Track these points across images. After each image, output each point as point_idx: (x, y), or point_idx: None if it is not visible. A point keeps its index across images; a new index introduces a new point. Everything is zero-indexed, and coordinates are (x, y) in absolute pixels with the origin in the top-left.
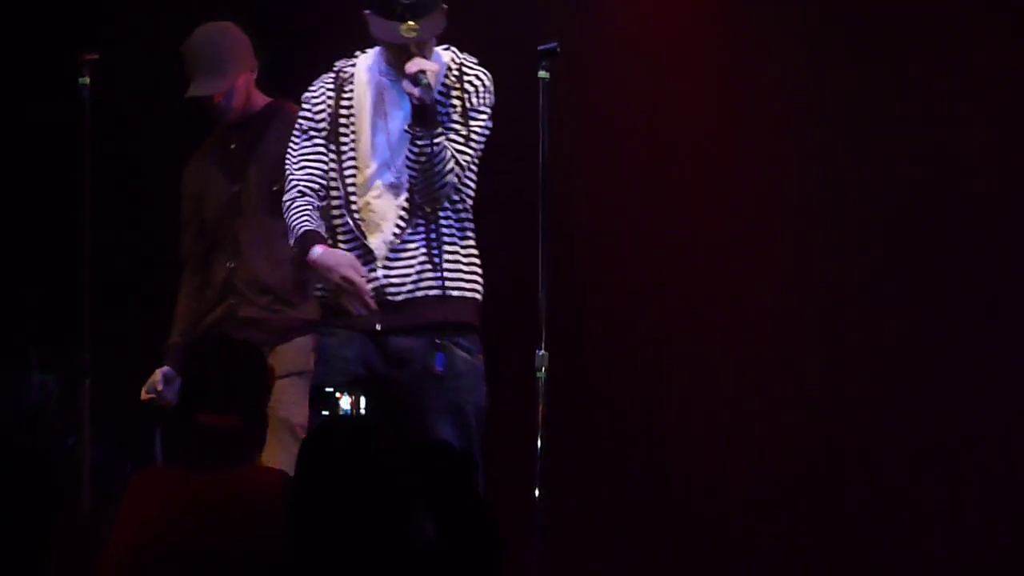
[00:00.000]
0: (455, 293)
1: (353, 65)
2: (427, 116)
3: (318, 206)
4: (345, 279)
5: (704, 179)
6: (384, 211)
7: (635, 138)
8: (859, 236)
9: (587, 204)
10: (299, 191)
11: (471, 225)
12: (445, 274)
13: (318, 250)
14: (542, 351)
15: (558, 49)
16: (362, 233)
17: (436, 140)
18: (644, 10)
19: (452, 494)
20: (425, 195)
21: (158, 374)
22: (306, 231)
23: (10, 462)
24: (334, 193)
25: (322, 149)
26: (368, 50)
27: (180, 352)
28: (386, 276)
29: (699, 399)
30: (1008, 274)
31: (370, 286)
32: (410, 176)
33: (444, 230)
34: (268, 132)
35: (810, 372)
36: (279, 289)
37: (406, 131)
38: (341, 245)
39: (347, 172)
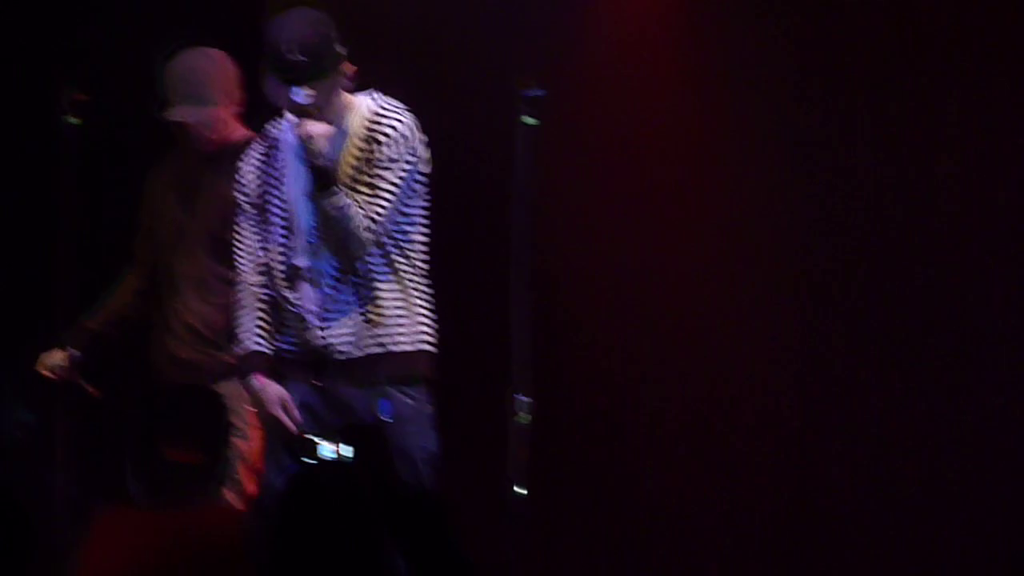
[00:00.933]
0: (397, 348)
1: (279, 127)
2: (322, 179)
3: (266, 297)
4: (273, 417)
5: (689, 215)
6: (319, 272)
7: (616, 178)
8: (844, 254)
9: (569, 246)
10: (250, 284)
11: (415, 274)
12: (384, 331)
13: (256, 383)
14: (523, 396)
15: (544, 95)
16: (297, 297)
17: (337, 204)
18: (625, 46)
19: (427, 539)
20: (340, 254)
21: (65, 356)
22: (252, 352)
23: None
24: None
25: (256, 224)
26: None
27: (89, 338)
28: (322, 338)
29: (686, 444)
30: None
31: (310, 345)
32: (325, 237)
33: (379, 286)
34: (228, 171)
35: (796, 400)
36: (209, 334)
37: (308, 197)
38: (287, 304)
39: (279, 237)
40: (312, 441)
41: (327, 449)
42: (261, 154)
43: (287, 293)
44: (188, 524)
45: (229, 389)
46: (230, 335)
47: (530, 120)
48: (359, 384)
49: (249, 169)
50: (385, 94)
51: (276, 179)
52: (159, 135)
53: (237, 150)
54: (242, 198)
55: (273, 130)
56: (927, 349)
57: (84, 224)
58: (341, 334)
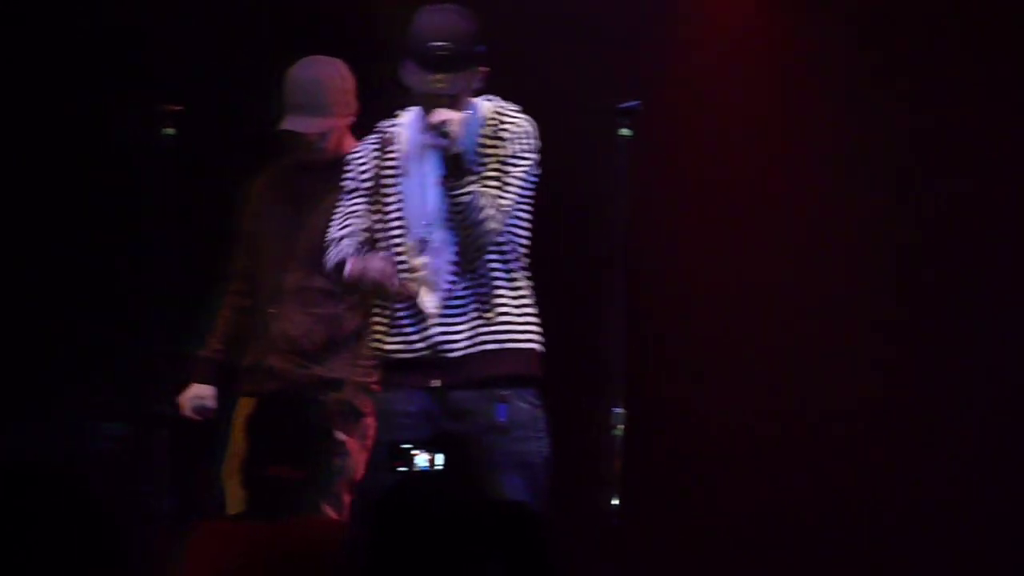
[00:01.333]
0: (511, 346)
1: (395, 125)
2: (455, 166)
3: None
4: (376, 280)
5: (782, 231)
6: (436, 268)
7: (712, 192)
8: (949, 264)
9: (666, 260)
10: (340, 248)
11: (524, 275)
12: (499, 327)
13: (348, 266)
14: (619, 408)
15: (640, 107)
16: (414, 293)
17: (468, 189)
18: (720, 55)
19: (522, 551)
20: (469, 245)
21: (207, 394)
22: (338, 262)
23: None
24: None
25: (365, 208)
26: (409, 109)
27: (213, 368)
28: (442, 334)
29: (776, 453)
30: None
31: (425, 344)
32: (452, 228)
33: (495, 283)
34: (337, 183)
35: (895, 412)
36: (308, 345)
37: (440, 184)
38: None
39: (394, 233)
40: (407, 451)
41: (422, 459)
42: (375, 149)
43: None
44: (285, 536)
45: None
46: (330, 347)
47: (626, 132)
48: (475, 386)
49: (362, 162)
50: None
51: (392, 175)
52: (253, 146)
53: (342, 165)
54: (351, 183)
55: (388, 127)
56: None
57: (180, 234)
58: (457, 331)
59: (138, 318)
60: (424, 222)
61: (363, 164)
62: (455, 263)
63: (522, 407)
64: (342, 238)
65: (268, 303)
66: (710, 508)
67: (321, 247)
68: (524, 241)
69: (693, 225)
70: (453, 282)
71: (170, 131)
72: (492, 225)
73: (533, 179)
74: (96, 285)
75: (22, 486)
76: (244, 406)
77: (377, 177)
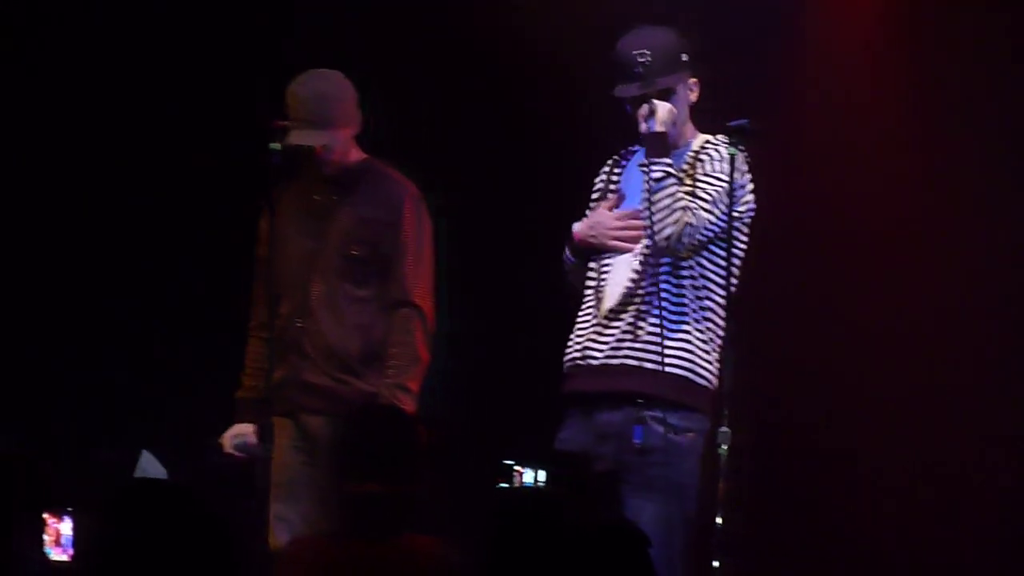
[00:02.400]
0: (649, 366)
1: (634, 152)
2: (655, 145)
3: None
4: (605, 234)
5: (899, 263)
6: (618, 278)
7: (830, 216)
8: None
9: (779, 275)
10: None
11: (706, 308)
12: (641, 345)
13: (576, 225)
14: (725, 428)
15: (749, 125)
16: (598, 298)
17: (663, 168)
18: (840, 69)
19: (627, 571)
20: (656, 230)
21: (246, 431)
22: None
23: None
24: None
25: None
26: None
27: (251, 406)
28: (592, 339)
29: (890, 481)
30: None
31: (579, 347)
32: (644, 208)
33: (662, 302)
34: (355, 192)
35: (1012, 447)
36: (347, 357)
37: (639, 166)
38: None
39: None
40: (510, 467)
41: (528, 476)
42: (608, 166)
43: (588, 299)
44: (375, 554)
45: None
46: (366, 357)
47: (732, 150)
48: (607, 394)
49: (599, 179)
50: None
51: (615, 191)
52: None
53: (356, 173)
54: (591, 200)
55: (627, 151)
56: None
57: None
58: (605, 340)
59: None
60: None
61: (598, 183)
62: (636, 271)
63: (655, 429)
64: None
65: (296, 318)
66: (825, 529)
67: (346, 256)
68: (718, 277)
69: (809, 244)
70: (627, 290)
71: (276, 146)
72: (680, 216)
73: (738, 216)
74: (203, 300)
75: (145, 503)
76: (280, 427)
77: (603, 193)
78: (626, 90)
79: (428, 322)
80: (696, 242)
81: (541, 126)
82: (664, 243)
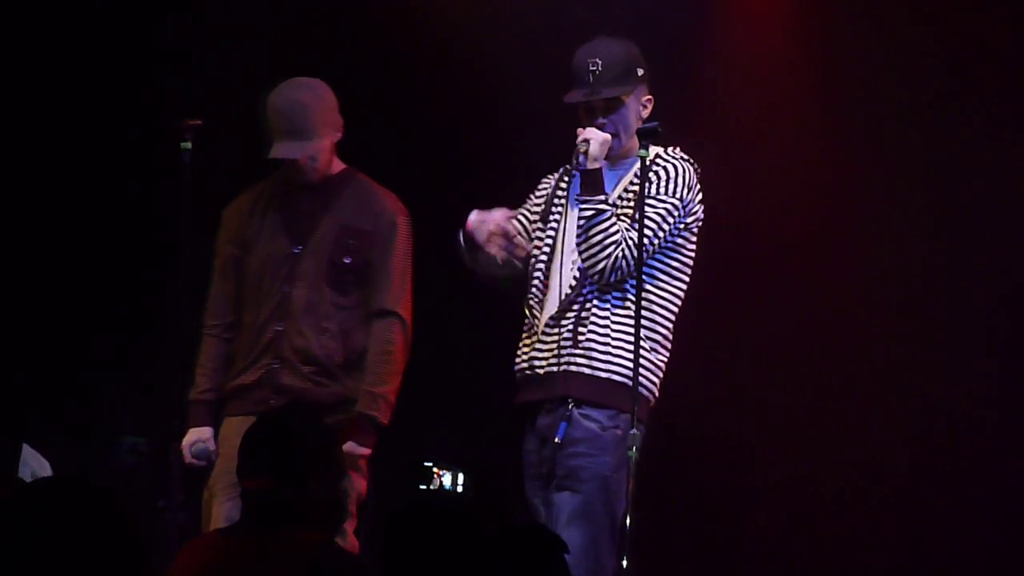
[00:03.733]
0: (585, 371)
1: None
2: (588, 182)
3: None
4: (485, 229)
5: (804, 267)
6: (555, 288)
7: (737, 220)
8: (997, 286)
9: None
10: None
11: (651, 315)
12: (585, 352)
13: (473, 214)
14: (634, 430)
15: (659, 129)
16: (538, 307)
17: (596, 206)
18: (749, 69)
19: (539, 572)
20: (587, 264)
21: (205, 437)
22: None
23: (101, 523)
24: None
25: (526, 220)
26: None
27: (206, 409)
28: (536, 349)
29: (788, 480)
30: None
31: (525, 358)
32: (577, 243)
33: (598, 310)
34: (339, 200)
35: (904, 446)
36: (326, 361)
37: (576, 198)
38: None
39: (542, 250)
40: (429, 469)
41: (447, 479)
42: (560, 172)
43: (528, 307)
44: (260, 548)
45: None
46: (347, 363)
47: (643, 152)
48: (550, 400)
49: (545, 182)
50: None
51: (561, 199)
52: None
53: (340, 182)
54: (528, 201)
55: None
56: None
57: (197, 249)
58: (547, 348)
59: (158, 331)
60: (568, 248)
61: (544, 186)
62: (571, 285)
63: (584, 425)
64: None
65: (274, 321)
66: (727, 528)
67: (330, 262)
68: (663, 288)
69: (720, 243)
70: (562, 301)
71: (187, 145)
72: (613, 251)
73: (684, 231)
74: (117, 298)
75: (49, 500)
76: (236, 425)
77: (549, 199)
78: (572, 96)
79: (408, 333)
80: (628, 270)
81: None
82: (596, 277)
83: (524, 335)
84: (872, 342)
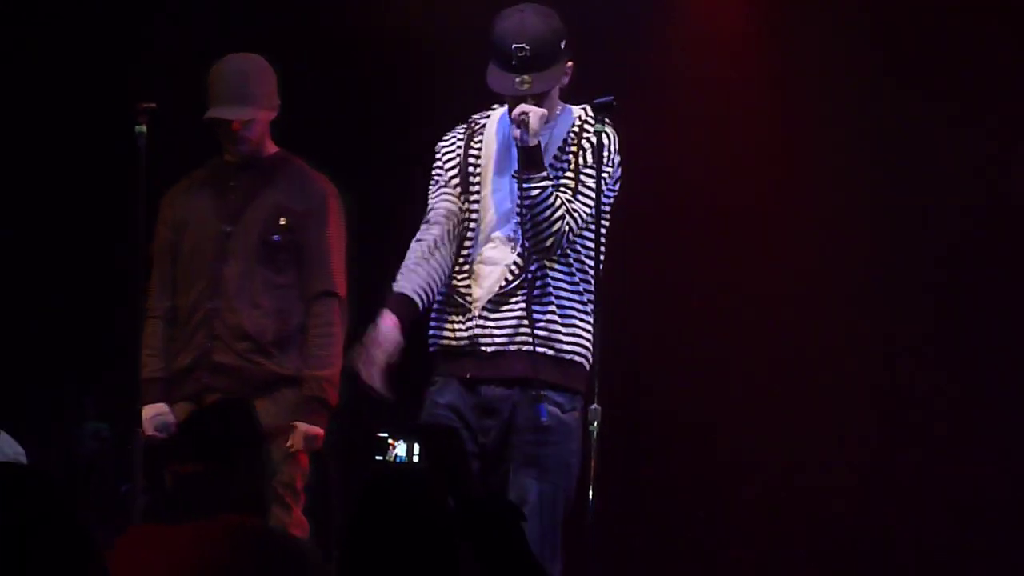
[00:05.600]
0: (548, 352)
1: (487, 117)
2: (530, 159)
3: (441, 239)
4: (362, 358)
5: (760, 242)
6: (495, 262)
7: (692, 194)
8: (919, 292)
9: (643, 259)
10: (431, 220)
11: (588, 289)
12: (539, 332)
13: (382, 324)
14: (595, 405)
15: (615, 103)
16: (473, 283)
17: (540, 184)
18: (702, 50)
19: (499, 546)
20: (533, 242)
21: (162, 411)
22: (397, 294)
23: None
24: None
25: (449, 195)
26: (503, 105)
27: (159, 386)
28: (480, 327)
29: (751, 458)
30: None
31: (465, 335)
32: (519, 221)
33: (550, 288)
34: (272, 181)
35: (867, 429)
36: (259, 339)
37: (513, 176)
38: (456, 293)
39: (468, 223)
40: (384, 440)
41: (400, 448)
42: (461, 136)
43: (459, 281)
44: (194, 535)
45: (274, 400)
46: (281, 341)
47: (599, 127)
48: (503, 380)
49: (449, 150)
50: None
51: (476, 165)
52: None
53: (274, 162)
54: (438, 173)
55: (480, 119)
56: None
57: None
58: (496, 327)
59: (119, 316)
60: (498, 216)
61: (449, 153)
62: (516, 263)
63: (549, 409)
64: (431, 224)
65: (207, 299)
66: (688, 505)
67: (263, 241)
68: (591, 255)
69: (672, 223)
70: (508, 280)
71: (142, 128)
72: (560, 226)
73: (609, 195)
74: (77, 284)
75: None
76: (182, 411)
77: (462, 167)
78: (501, 84)
79: (346, 313)
80: (571, 239)
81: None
82: (544, 253)
83: (451, 311)
84: (833, 312)
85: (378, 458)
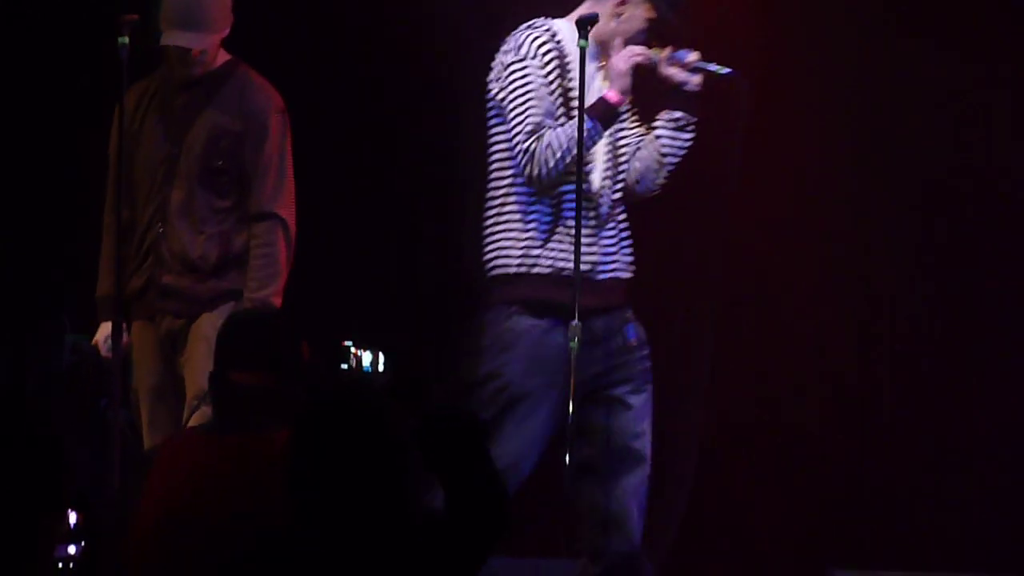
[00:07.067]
0: (627, 276)
1: (557, 37)
2: (693, 104)
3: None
4: (631, 61)
5: (754, 213)
6: (602, 185)
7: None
8: (899, 250)
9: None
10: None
11: None
12: (625, 257)
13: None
14: (575, 321)
15: (599, 18)
16: (591, 209)
17: (684, 122)
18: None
19: (461, 460)
20: (664, 180)
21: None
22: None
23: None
24: None
25: (550, 106)
26: (556, 19)
27: (114, 304)
28: (600, 254)
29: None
30: None
31: (590, 260)
32: (671, 164)
33: (619, 211)
34: (214, 98)
35: (845, 376)
36: (202, 264)
37: (676, 120)
38: (571, 216)
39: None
40: (348, 349)
41: (366, 359)
42: (555, 57)
43: (560, 207)
44: (253, 448)
45: (219, 313)
46: (224, 264)
47: (584, 43)
48: (607, 310)
49: (547, 68)
50: None
51: (570, 88)
52: None
53: (220, 76)
54: (536, 85)
55: (557, 36)
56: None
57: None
58: (604, 254)
59: (96, 228)
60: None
61: (547, 67)
62: (617, 190)
63: (640, 328)
64: (539, 127)
65: (156, 223)
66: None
67: (206, 166)
68: None
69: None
70: (606, 205)
71: (124, 40)
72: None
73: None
74: (56, 195)
75: None
76: (141, 331)
77: (563, 92)
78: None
79: (290, 232)
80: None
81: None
82: (658, 189)
83: (556, 237)
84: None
85: (343, 367)
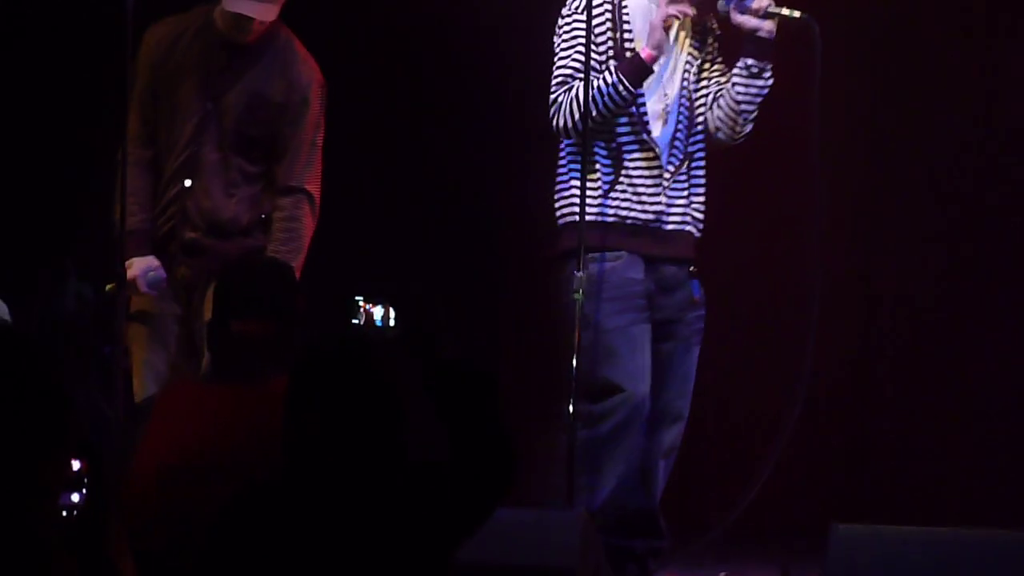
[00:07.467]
0: (696, 232)
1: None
2: (767, 50)
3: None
4: (665, 17)
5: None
6: (663, 142)
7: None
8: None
9: None
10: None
11: None
12: (695, 213)
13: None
14: (580, 272)
15: None
16: (645, 160)
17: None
18: None
19: (468, 412)
20: (748, 127)
21: (153, 265)
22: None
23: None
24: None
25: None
26: None
27: (147, 238)
28: (665, 204)
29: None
30: None
31: (653, 209)
32: (747, 112)
33: (699, 167)
34: (257, 64)
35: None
36: (232, 227)
37: (748, 67)
38: (633, 166)
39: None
40: (357, 303)
41: (377, 313)
42: (608, 12)
43: (635, 158)
44: (255, 397)
45: None
46: (252, 226)
47: None
48: (677, 262)
49: (600, 24)
50: None
51: (629, 40)
52: None
53: (264, 41)
54: (582, 37)
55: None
56: None
57: None
58: (674, 205)
59: (102, 174)
60: (654, 95)
61: (597, 18)
62: (682, 141)
63: (702, 289)
64: (569, 79)
65: (184, 176)
66: None
67: (243, 131)
68: None
69: None
70: (679, 160)
71: None
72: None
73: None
74: (59, 142)
75: None
76: None
77: (617, 46)
78: None
79: (316, 208)
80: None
81: None
82: (741, 139)
83: (631, 188)
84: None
85: (354, 321)
